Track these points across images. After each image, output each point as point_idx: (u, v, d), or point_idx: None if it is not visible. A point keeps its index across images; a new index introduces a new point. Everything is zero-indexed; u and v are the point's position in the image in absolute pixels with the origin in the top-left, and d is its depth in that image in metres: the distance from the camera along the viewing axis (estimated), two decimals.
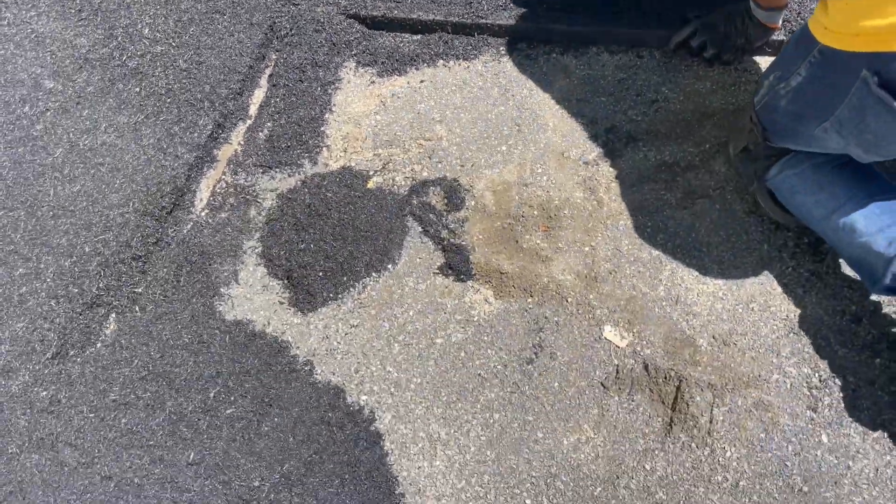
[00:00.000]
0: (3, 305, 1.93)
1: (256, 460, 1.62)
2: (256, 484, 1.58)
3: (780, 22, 1.92)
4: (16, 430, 1.76)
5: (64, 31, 2.44)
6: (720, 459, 1.58)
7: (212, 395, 1.69)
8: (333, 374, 1.80)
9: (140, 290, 1.95)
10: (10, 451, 1.74)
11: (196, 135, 2.17)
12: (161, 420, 1.67)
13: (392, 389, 1.77)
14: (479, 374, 1.77)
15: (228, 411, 1.68)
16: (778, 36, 2.01)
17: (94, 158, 2.15)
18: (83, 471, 1.66)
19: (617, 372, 1.72)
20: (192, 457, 1.61)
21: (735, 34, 1.94)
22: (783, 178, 1.70)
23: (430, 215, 1.99)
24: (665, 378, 1.69)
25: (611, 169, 1.98)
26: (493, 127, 2.10)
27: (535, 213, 1.95)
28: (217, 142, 2.19)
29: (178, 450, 1.63)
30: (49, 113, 2.25)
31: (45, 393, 1.79)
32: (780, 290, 1.75)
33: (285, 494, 1.58)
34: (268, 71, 2.33)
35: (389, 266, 1.94)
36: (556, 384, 1.73)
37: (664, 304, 1.78)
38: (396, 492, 1.63)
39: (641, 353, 1.73)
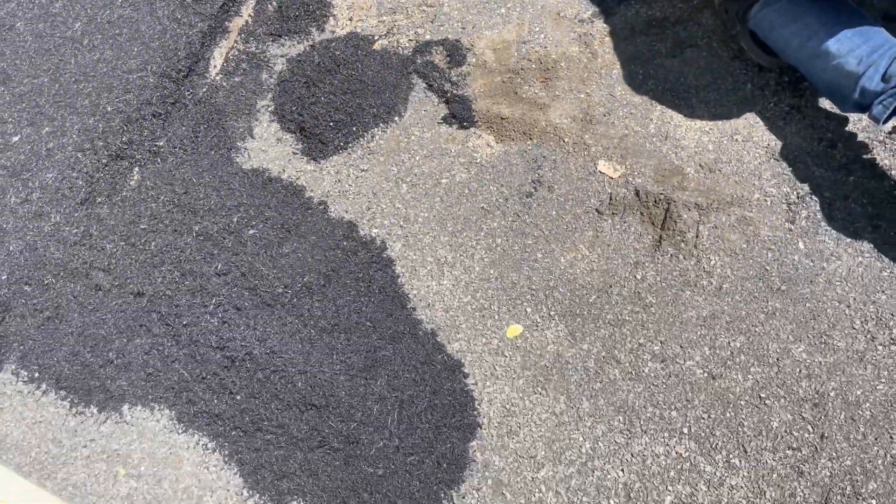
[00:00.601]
0: (33, 159, 2.05)
1: (279, 272, 1.75)
2: (280, 290, 1.72)
3: None
4: (50, 262, 1.89)
5: None
6: (705, 267, 1.72)
7: (235, 219, 1.82)
8: (346, 211, 1.93)
9: (161, 144, 2.06)
10: (46, 281, 1.87)
11: (208, 6, 2.27)
12: (189, 240, 1.80)
13: (401, 223, 1.90)
14: (482, 207, 1.89)
15: (251, 232, 1.80)
16: None
17: (111, 30, 2.25)
18: (117, 291, 1.80)
19: (610, 199, 1.85)
20: (219, 267, 1.74)
21: None
22: (763, 16, 1.81)
23: (434, 72, 2.11)
24: (655, 202, 1.82)
25: (605, 25, 2.09)
26: None
27: (534, 66, 2.06)
28: (228, 14, 2.29)
29: (206, 263, 1.76)
30: None
31: (76, 230, 1.91)
32: (762, 123, 1.88)
33: (306, 300, 1.71)
34: None
35: (396, 118, 2.05)
36: (554, 212, 1.86)
37: (654, 139, 1.90)
38: (408, 306, 1.77)
39: (633, 182, 1.86)
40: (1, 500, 1.56)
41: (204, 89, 2.16)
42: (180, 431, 1.69)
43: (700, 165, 1.85)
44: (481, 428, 1.64)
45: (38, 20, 2.33)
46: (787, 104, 1.89)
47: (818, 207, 1.75)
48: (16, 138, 2.11)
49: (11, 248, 1.93)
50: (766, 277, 1.69)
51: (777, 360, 1.61)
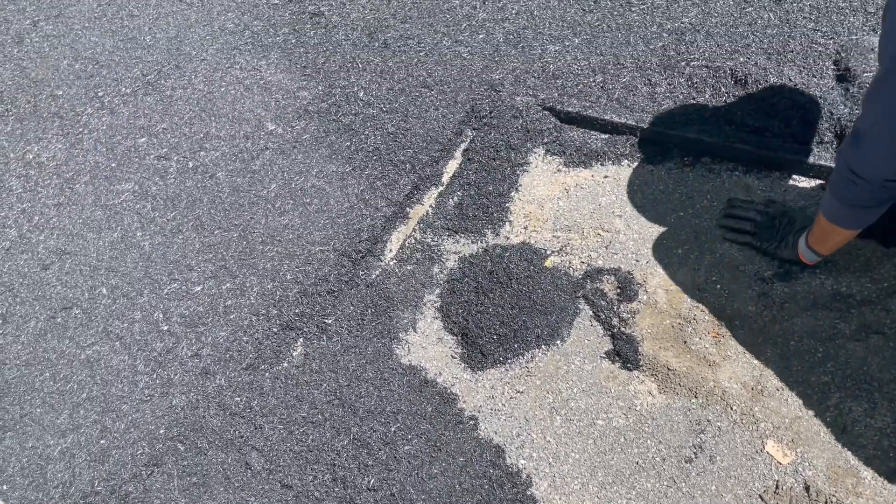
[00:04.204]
0: (210, 314, 2.17)
1: (427, 497, 1.74)
2: None
3: (813, 263, 2.01)
4: (209, 427, 1.96)
5: (289, 83, 2.76)
6: None
7: (392, 429, 1.84)
8: (496, 433, 1.92)
9: (329, 322, 2.14)
10: (200, 445, 1.94)
11: (395, 192, 2.39)
12: (346, 443, 1.82)
13: (550, 459, 1.87)
14: (637, 462, 1.84)
15: (406, 448, 1.82)
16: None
17: (303, 198, 2.40)
18: (266, 476, 1.83)
19: (776, 487, 1.76)
20: (371, 483, 1.75)
21: (777, 239, 2.04)
22: None
23: (602, 301, 2.12)
24: (826, 502, 1.72)
25: (786, 290, 2.06)
26: (671, 230, 2.23)
27: (707, 317, 2.04)
28: (411, 201, 2.41)
29: (360, 474, 1.77)
30: (268, 152, 2.54)
31: (238, 398, 1.99)
32: None
33: None
34: (463, 145, 2.56)
35: (558, 342, 2.06)
36: (714, 487, 1.78)
37: (830, 430, 1.82)
38: None
39: (803, 474, 1.77)
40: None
41: (377, 272, 2.25)
42: None
43: (878, 472, 1.75)
44: None
45: (238, 174, 2.51)
46: None
47: None
48: (198, 288, 2.24)
49: (174, 401, 2.01)
50: None
51: None
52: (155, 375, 2.07)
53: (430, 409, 1.92)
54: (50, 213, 2.51)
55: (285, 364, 2.06)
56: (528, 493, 1.82)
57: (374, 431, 1.84)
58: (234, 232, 2.36)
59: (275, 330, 2.12)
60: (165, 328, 2.16)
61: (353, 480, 1.76)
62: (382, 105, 2.63)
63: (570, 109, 2.53)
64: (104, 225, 2.43)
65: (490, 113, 2.59)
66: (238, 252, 2.30)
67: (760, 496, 1.75)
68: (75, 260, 2.36)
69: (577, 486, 1.82)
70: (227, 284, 2.23)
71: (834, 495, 1.72)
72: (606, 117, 2.48)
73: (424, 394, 1.97)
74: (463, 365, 2.06)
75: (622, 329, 2.06)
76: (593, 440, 1.89)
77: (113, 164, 2.59)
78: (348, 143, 2.54)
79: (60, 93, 2.93)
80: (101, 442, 1.97)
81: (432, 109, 2.59)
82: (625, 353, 2.02)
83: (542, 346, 2.06)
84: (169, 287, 2.25)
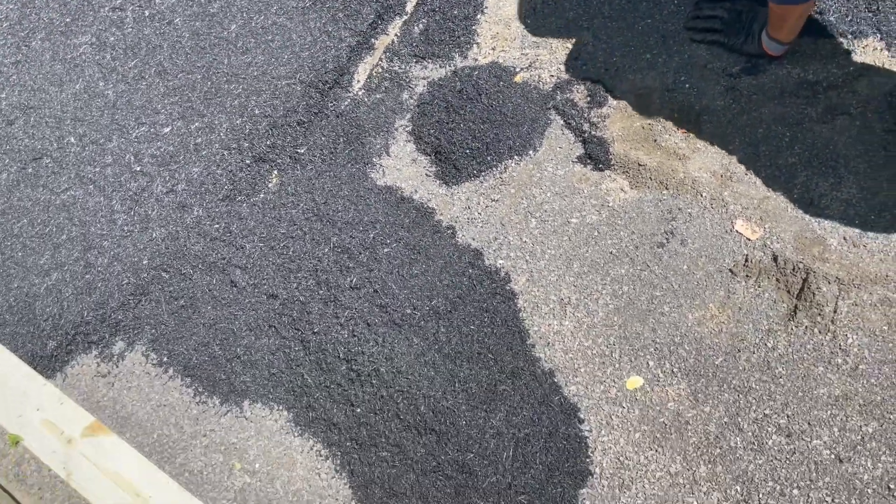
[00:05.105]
0: (181, 152, 2.16)
1: (409, 293, 1.79)
2: (409, 311, 1.75)
3: (778, 53, 2.00)
4: (190, 254, 1.98)
5: None
6: (841, 345, 1.67)
7: (371, 235, 1.87)
8: (473, 239, 1.96)
9: (302, 152, 2.14)
10: (184, 270, 1.97)
11: (359, 22, 2.34)
12: (326, 251, 1.86)
13: (527, 257, 1.92)
14: (611, 252, 1.89)
15: (385, 250, 1.85)
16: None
17: (264, 35, 2.35)
18: (251, 290, 1.87)
19: (746, 260, 1.82)
20: (353, 281, 1.80)
21: (744, 34, 2.03)
22: None
23: (573, 110, 2.12)
24: (793, 269, 1.78)
25: (753, 82, 2.06)
26: (638, 37, 2.21)
27: (676, 115, 2.05)
28: (376, 31, 2.36)
29: (342, 275, 1.81)
30: None
31: (217, 225, 2.00)
32: None
33: (433, 324, 1.74)
34: None
35: (530, 152, 2.07)
36: (685, 266, 1.84)
37: (797, 205, 1.86)
38: (528, 342, 1.78)
39: (771, 247, 1.82)
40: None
41: (346, 103, 2.23)
42: (296, 434, 1.74)
43: (844, 238, 1.81)
44: (593, 476, 1.63)
45: (196, 18, 2.45)
46: None
47: None
48: (166, 129, 2.22)
49: (154, 234, 2.03)
50: None
51: None
52: (133, 213, 2.08)
53: (407, 221, 1.95)
54: (9, 71, 2.45)
55: (262, 195, 2.07)
56: (508, 287, 1.87)
57: (353, 238, 1.87)
58: (197, 74, 2.32)
59: (248, 162, 2.11)
60: (138, 168, 2.15)
61: (335, 282, 1.80)
62: None
63: None
64: (65, 78, 2.38)
65: None
66: (203, 93, 2.27)
67: (731, 270, 1.81)
68: (40, 113, 2.32)
69: (554, 277, 1.88)
70: (196, 124, 2.21)
71: (801, 262, 1.78)
72: None
73: (402, 209, 1.99)
74: (438, 181, 2.08)
75: (593, 133, 2.07)
76: (568, 237, 1.93)
77: (67, 20, 2.51)
78: None
79: None
80: (87, 277, 1.99)
81: None
82: (596, 155, 2.03)
83: (515, 157, 2.08)
84: (137, 131, 2.23)
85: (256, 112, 2.21)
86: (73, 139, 2.25)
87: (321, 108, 2.21)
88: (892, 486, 1.53)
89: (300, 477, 1.70)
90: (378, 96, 2.25)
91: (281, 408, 1.77)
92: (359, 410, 1.69)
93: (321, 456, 1.71)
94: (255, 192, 2.07)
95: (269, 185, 2.09)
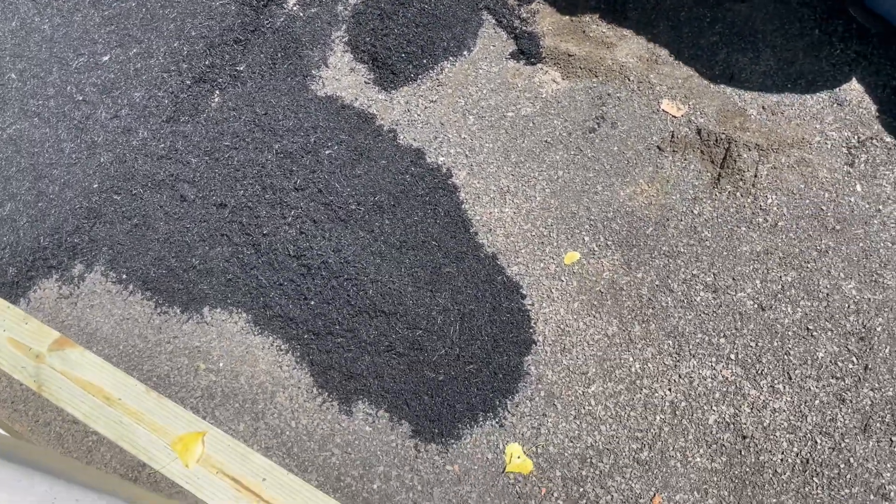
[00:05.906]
0: (121, 78, 2.18)
1: (352, 190, 1.86)
2: (353, 207, 1.83)
3: None
4: (139, 174, 2.03)
5: None
6: (762, 205, 1.78)
7: (312, 139, 1.93)
8: (414, 140, 2.02)
9: (241, 69, 2.17)
10: (134, 191, 2.01)
11: None
12: (269, 157, 1.91)
13: (467, 153, 1.99)
14: (546, 141, 1.97)
15: (327, 152, 1.91)
16: None
17: None
18: (200, 202, 1.93)
19: (672, 137, 1.91)
20: (297, 183, 1.86)
21: None
22: None
23: (504, 9, 2.17)
24: (716, 141, 1.87)
25: None
26: None
27: (602, 6, 2.11)
28: None
29: (285, 178, 1.88)
30: None
31: (162, 145, 2.04)
32: (827, 68, 1.90)
33: (377, 218, 1.82)
34: None
35: (465, 52, 2.13)
36: (616, 147, 1.92)
37: (719, 81, 1.95)
38: (471, 230, 1.87)
39: (695, 122, 1.91)
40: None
41: (282, 19, 2.26)
42: (256, 333, 1.82)
43: (763, 108, 1.90)
44: (536, 345, 1.74)
45: None
46: (853, 50, 1.91)
47: (878, 152, 1.78)
48: (105, 58, 2.24)
49: (102, 159, 2.07)
50: (821, 217, 1.74)
51: (827, 295, 1.67)
52: (79, 140, 2.11)
53: (348, 126, 2.01)
54: None
55: (207, 113, 2.11)
56: (450, 182, 1.94)
57: (295, 143, 1.92)
58: (131, 2, 2.32)
59: (188, 83, 2.14)
60: (80, 98, 2.18)
61: (280, 185, 1.86)
62: None
63: None
64: (0, 16, 2.37)
65: None
66: (139, 20, 2.28)
67: (658, 146, 1.90)
68: None
69: (493, 168, 1.95)
70: (134, 50, 2.23)
71: (723, 133, 1.87)
72: None
73: (343, 115, 2.05)
74: (377, 88, 2.12)
75: (524, 29, 2.12)
76: (504, 130, 2.00)
77: None
78: None
79: None
80: (39, 205, 2.03)
81: None
82: (528, 49, 2.09)
83: (450, 58, 2.13)
84: (77, 62, 2.24)
85: (193, 34, 2.23)
86: (13, 75, 2.26)
87: (257, 25, 2.24)
88: (810, 328, 1.66)
89: (263, 371, 1.79)
90: (313, 10, 2.27)
91: (239, 310, 1.85)
92: (312, 303, 1.78)
93: (281, 350, 1.80)
94: (198, 112, 2.11)
95: (213, 104, 2.13)
